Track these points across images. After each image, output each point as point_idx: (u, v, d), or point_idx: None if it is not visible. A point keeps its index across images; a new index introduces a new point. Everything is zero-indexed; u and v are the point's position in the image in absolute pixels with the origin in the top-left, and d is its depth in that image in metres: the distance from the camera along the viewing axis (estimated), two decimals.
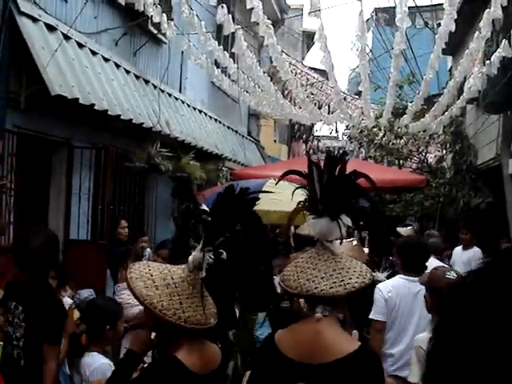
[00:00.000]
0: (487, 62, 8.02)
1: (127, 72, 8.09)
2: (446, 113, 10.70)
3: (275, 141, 20.16)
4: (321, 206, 2.48)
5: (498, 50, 7.28)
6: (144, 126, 7.71)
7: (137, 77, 8.39)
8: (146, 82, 8.70)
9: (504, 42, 7.11)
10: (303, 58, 24.30)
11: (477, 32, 7.28)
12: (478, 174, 13.31)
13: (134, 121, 7.41)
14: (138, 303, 2.49)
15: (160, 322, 2.29)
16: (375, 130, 15.67)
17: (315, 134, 26.72)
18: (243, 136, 14.56)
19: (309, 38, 21.95)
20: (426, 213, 17.03)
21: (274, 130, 19.84)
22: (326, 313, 2.38)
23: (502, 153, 11.00)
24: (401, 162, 16.80)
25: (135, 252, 6.24)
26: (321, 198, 2.48)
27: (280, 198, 7.65)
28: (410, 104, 11.28)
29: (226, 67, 8.78)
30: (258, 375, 2.53)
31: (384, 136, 15.62)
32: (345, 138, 18.14)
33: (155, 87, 8.89)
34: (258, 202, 2.48)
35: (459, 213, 13.18)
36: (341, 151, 19.57)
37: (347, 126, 17.42)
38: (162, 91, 9.23)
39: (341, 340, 2.44)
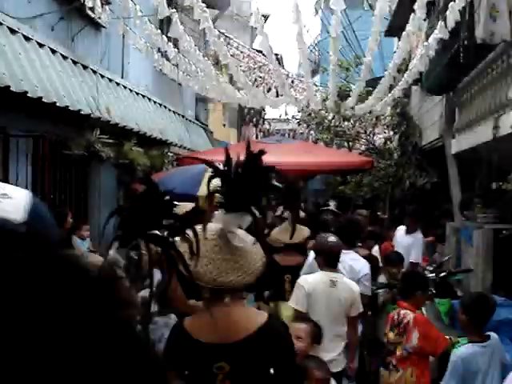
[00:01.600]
0: (425, 43, 8.08)
1: (64, 58, 7.85)
2: (390, 94, 10.79)
3: (224, 125, 20.05)
4: (225, 200, 2.54)
5: (435, 31, 7.33)
6: (82, 112, 7.51)
7: (75, 62, 8.16)
8: (85, 67, 8.47)
9: (440, 23, 7.16)
10: (253, 42, 24.15)
11: (412, 14, 7.32)
12: (423, 155, 13.51)
13: (70, 107, 7.21)
14: None
15: None
16: (323, 112, 15.74)
17: (266, 117, 26.73)
18: (190, 121, 14.42)
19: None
20: (375, 194, 17.27)
21: (223, 114, 19.72)
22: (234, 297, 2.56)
23: (444, 133, 11.15)
24: (350, 144, 16.94)
25: None
26: (226, 192, 2.52)
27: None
28: (353, 86, 11.33)
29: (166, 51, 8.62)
30: (173, 363, 2.54)
31: (333, 119, 15.70)
32: (295, 120, 18.14)
33: (95, 73, 8.68)
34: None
35: (406, 193, 13.38)
36: (291, 134, 19.65)
37: (299, 110, 17.45)
38: (102, 77, 9.03)
39: (249, 317, 2.61)
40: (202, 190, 7.59)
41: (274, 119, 27.48)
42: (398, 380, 4.66)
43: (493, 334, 4.16)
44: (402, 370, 4.65)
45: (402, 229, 9.09)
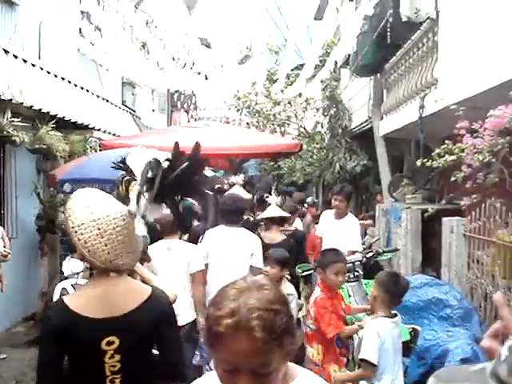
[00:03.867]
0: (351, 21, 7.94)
1: None
2: (317, 76, 10.66)
3: (153, 110, 19.55)
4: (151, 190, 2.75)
5: (359, 8, 7.20)
6: None
7: None
8: None
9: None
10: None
11: None
12: (353, 138, 13.51)
13: None
14: None
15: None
16: (253, 96, 15.53)
17: (198, 104, 26.25)
18: (116, 105, 13.90)
19: None
20: (308, 179, 17.26)
21: (152, 99, 19.23)
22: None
23: (373, 115, 11.15)
24: (282, 129, 16.81)
25: None
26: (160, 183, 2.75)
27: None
28: (279, 68, 11.12)
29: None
30: (58, 342, 2.53)
31: (260, 104, 15.51)
32: (225, 105, 17.79)
33: (7, 53, 8.14)
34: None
35: (336, 177, 13.35)
36: (223, 120, 19.31)
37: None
38: (16, 57, 8.48)
39: (135, 290, 2.70)
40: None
41: (206, 107, 27.00)
42: (308, 357, 4.58)
43: (398, 314, 4.23)
44: (309, 347, 4.59)
45: (328, 213, 7.79)
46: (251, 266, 5.66)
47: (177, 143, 2.87)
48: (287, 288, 5.35)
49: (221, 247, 5.68)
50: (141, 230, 2.73)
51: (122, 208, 2.64)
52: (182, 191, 2.92)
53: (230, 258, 5.59)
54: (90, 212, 2.53)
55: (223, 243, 5.72)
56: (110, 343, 2.54)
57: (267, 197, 7.26)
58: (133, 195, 2.72)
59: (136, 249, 2.70)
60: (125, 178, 3.41)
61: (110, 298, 2.57)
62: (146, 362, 2.67)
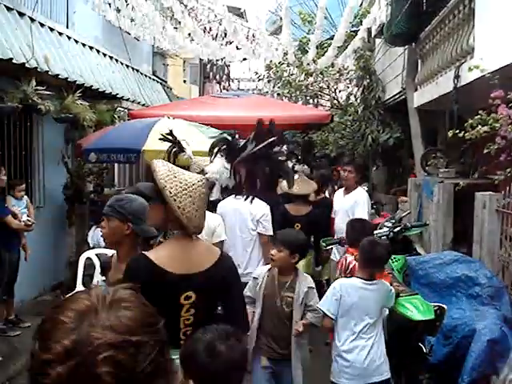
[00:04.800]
0: None
1: None
2: (350, 45, 10.36)
3: (185, 81, 19.41)
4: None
5: None
6: (14, 61, 6.92)
7: (9, 9, 7.51)
8: (21, 14, 7.82)
9: None
10: None
11: None
12: (386, 109, 13.17)
13: (0, 56, 6.62)
14: None
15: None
16: (284, 66, 15.26)
17: (232, 76, 26.04)
18: (146, 76, 13.79)
19: None
20: (340, 152, 16.98)
21: (184, 69, 19.08)
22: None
23: (407, 86, 10.82)
24: (315, 100, 16.50)
25: None
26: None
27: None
28: (311, 37, 10.81)
29: None
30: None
31: (292, 75, 15.21)
32: (256, 76, 17.54)
33: (33, 21, 8.05)
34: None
35: (368, 150, 13.07)
36: (255, 92, 19.10)
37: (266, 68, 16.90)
38: (42, 25, 8.39)
39: (209, 250, 3.00)
40: (148, 145, 7.16)
41: (241, 79, 26.77)
42: None
43: (383, 283, 4.39)
44: None
45: (339, 193, 7.70)
46: (259, 233, 5.74)
47: (260, 120, 3.21)
48: (307, 281, 4.41)
49: (227, 218, 5.66)
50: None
51: (201, 176, 2.93)
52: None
53: (234, 228, 5.67)
54: (179, 181, 2.78)
55: (230, 214, 5.76)
56: (187, 298, 2.80)
57: (294, 165, 7.09)
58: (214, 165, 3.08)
59: (205, 212, 2.97)
60: (173, 150, 3.79)
61: (189, 257, 2.85)
62: (213, 317, 2.92)
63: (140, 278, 2.62)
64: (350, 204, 7.09)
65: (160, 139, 3.55)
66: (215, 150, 3.10)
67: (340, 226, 6.86)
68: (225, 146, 3.12)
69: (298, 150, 7.69)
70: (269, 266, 4.46)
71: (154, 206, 3.05)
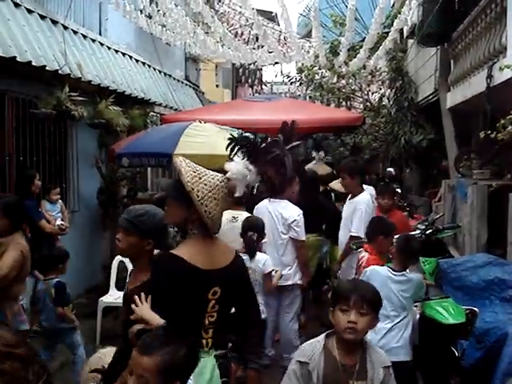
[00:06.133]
0: None
1: (29, 12, 7.36)
2: (381, 47, 10.28)
3: (217, 85, 19.51)
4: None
5: None
6: (48, 68, 7.05)
7: (42, 17, 7.67)
8: (55, 22, 7.97)
9: None
10: None
11: None
12: (419, 111, 13.04)
13: (34, 63, 6.75)
14: None
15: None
16: (316, 69, 15.22)
17: (264, 79, 26.06)
18: (178, 80, 13.90)
19: None
20: (375, 154, 16.82)
21: (216, 74, 19.18)
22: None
23: (440, 87, 10.70)
24: (348, 103, 16.42)
25: None
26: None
27: (203, 140, 7.25)
28: (342, 39, 10.75)
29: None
30: (172, 290, 2.74)
31: (324, 77, 15.16)
32: (287, 79, 17.53)
33: (66, 28, 8.20)
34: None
35: (401, 151, 12.95)
36: (287, 95, 19.06)
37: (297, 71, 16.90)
38: (75, 33, 8.54)
39: (228, 247, 3.09)
40: (179, 149, 7.20)
41: (273, 82, 26.76)
42: None
43: (417, 277, 4.61)
44: None
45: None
46: (290, 237, 5.92)
47: (285, 122, 3.16)
48: (381, 359, 2.93)
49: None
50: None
51: (223, 176, 2.91)
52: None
53: (267, 230, 5.66)
54: (204, 183, 2.79)
55: (264, 216, 5.85)
56: (214, 293, 2.84)
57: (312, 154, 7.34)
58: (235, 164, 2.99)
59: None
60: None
61: (213, 253, 2.89)
62: (229, 317, 3.03)
63: (172, 275, 2.75)
64: (350, 211, 6.47)
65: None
66: (235, 148, 3.05)
67: (341, 239, 6.63)
68: (247, 146, 3.03)
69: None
70: (320, 339, 2.93)
71: (173, 203, 2.94)
